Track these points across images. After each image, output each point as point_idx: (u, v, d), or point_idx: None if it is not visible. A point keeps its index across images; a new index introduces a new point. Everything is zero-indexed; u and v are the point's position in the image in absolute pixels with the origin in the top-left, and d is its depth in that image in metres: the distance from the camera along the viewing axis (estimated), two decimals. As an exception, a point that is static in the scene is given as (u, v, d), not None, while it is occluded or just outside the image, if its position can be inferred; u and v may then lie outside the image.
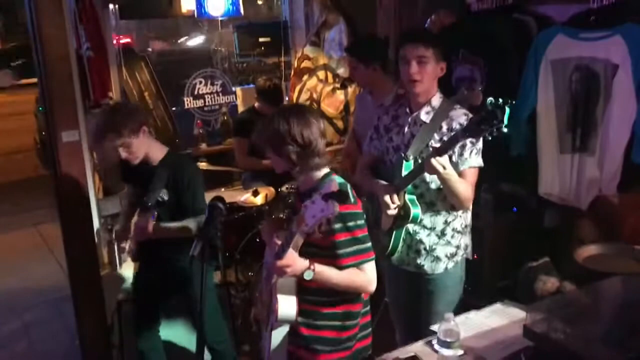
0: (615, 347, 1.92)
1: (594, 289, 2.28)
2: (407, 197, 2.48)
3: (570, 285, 2.50)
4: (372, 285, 2.13)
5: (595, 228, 2.92)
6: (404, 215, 2.48)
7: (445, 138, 2.45)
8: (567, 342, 1.91)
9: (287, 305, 2.09)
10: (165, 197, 2.89)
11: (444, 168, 2.28)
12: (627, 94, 2.72)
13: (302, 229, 1.86)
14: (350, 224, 2.05)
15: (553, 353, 1.95)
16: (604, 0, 2.86)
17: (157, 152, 2.92)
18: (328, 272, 2.05)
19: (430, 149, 2.47)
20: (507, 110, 2.05)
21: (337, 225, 2.04)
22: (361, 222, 2.09)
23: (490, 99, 2.09)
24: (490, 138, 2.13)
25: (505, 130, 2.07)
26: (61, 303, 4.37)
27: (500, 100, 2.06)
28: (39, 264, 5.36)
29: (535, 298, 2.48)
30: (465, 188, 2.43)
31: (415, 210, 2.47)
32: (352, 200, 2.08)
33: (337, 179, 2.13)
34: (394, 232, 2.54)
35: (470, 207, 2.65)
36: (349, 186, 2.13)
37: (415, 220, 2.50)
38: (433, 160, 2.27)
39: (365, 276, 2.10)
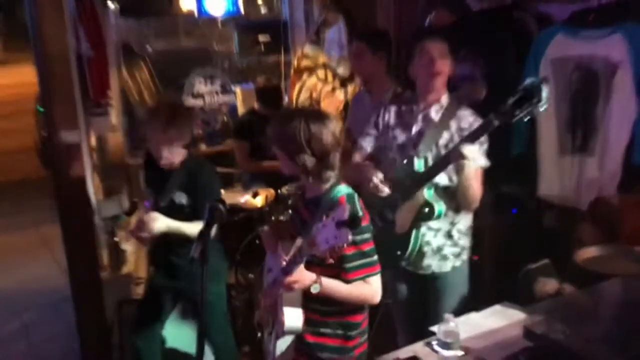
0: (614, 348, 1.92)
1: (593, 290, 2.28)
2: (427, 193, 2.47)
3: (570, 287, 2.49)
4: (377, 298, 2.12)
5: (595, 229, 2.91)
6: (428, 212, 2.46)
7: (454, 137, 2.46)
8: (566, 343, 1.91)
9: (293, 317, 2.08)
10: (184, 201, 2.91)
11: (475, 159, 2.29)
12: (627, 93, 2.72)
13: (314, 252, 1.83)
14: (358, 238, 2.03)
15: (553, 354, 1.95)
16: (603, -1, 2.86)
17: (178, 156, 2.93)
18: (334, 286, 2.05)
19: (440, 146, 2.48)
20: (545, 88, 2.05)
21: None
22: (368, 235, 2.08)
23: (528, 80, 2.10)
24: (527, 118, 2.13)
25: (542, 108, 2.07)
26: (61, 303, 4.36)
27: (536, 79, 2.07)
28: (39, 264, 5.35)
29: (535, 299, 2.48)
30: (475, 188, 2.44)
31: (439, 207, 2.46)
32: (361, 213, 2.06)
33: (345, 190, 2.10)
34: (414, 232, 2.52)
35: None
36: (356, 196, 2.11)
37: (439, 217, 2.48)
38: (466, 149, 2.26)
39: (370, 289, 2.09)
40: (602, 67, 2.77)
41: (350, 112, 3.77)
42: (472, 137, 2.30)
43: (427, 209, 2.46)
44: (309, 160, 2.04)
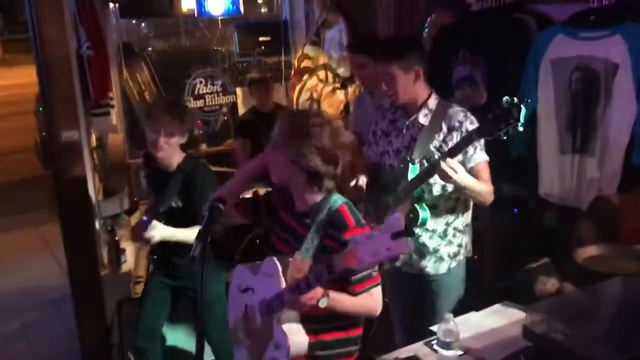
0: (615, 347, 1.92)
1: (594, 289, 2.28)
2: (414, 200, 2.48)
3: (570, 286, 2.49)
4: (379, 309, 2.07)
5: (595, 228, 2.91)
6: (412, 218, 2.46)
7: (447, 139, 2.46)
8: (566, 343, 1.91)
9: (298, 339, 1.98)
10: (179, 204, 2.92)
11: (456, 172, 2.26)
12: (627, 94, 2.71)
13: (353, 267, 1.69)
14: None
15: (553, 354, 1.95)
16: (603, 0, 2.86)
17: (175, 158, 2.95)
18: (341, 299, 1.98)
19: (432, 148, 2.47)
20: (524, 109, 2.04)
21: None
22: None
23: (506, 98, 2.08)
24: (505, 137, 2.11)
25: (521, 129, 2.06)
26: (61, 303, 4.37)
27: (516, 99, 2.06)
28: (39, 264, 5.36)
29: (535, 299, 2.47)
30: (482, 186, 2.44)
31: (424, 214, 2.45)
32: (363, 223, 2.04)
33: (341, 198, 2.06)
34: None
35: (471, 206, 2.66)
36: (352, 204, 2.08)
37: (424, 224, 2.47)
38: (444, 165, 2.25)
39: (373, 300, 2.04)
40: (602, 67, 2.77)
41: (354, 114, 3.79)
42: (452, 152, 2.29)
43: (412, 215, 2.46)
44: (321, 165, 1.96)
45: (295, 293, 1.88)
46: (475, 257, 2.79)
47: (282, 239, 2.17)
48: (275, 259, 2.00)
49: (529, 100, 2.08)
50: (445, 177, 2.29)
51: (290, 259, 1.99)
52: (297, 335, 1.97)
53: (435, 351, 2.15)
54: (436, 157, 2.40)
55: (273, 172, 2.09)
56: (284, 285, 1.94)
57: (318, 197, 2.06)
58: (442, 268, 2.62)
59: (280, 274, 1.96)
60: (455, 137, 2.43)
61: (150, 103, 3.00)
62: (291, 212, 2.15)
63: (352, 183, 2.58)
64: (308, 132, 1.96)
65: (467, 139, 2.28)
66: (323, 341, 2.06)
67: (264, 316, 2.03)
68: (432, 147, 2.49)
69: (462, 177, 2.31)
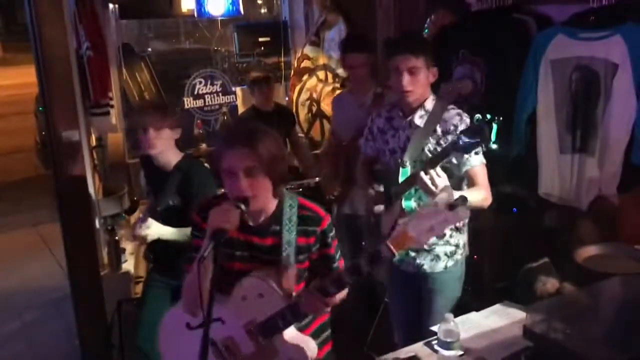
0: (615, 347, 1.92)
1: (593, 289, 2.28)
2: (404, 203, 2.48)
3: (570, 286, 2.50)
4: None
5: (595, 228, 2.92)
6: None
7: (441, 141, 2.46)
8: (566, 343, 1.92)
9: (312, 346, 1.98)
10: (177, 202, 2.92)
11: (435, 185, 2.24)
12: (627, 94, 2.72)
13: (411, 246, 1.75)
14: (333, 233, 2.08)
15: (553, 353, 1.96)
16: (603, 0, 2.86)
17: (172, 157, 2.94)
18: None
19: (426, 151, 2.48)
20: (495, 127, 2.07)
21: (331, 235, 2.06)
22: None
23: (477, 116, 2.11)
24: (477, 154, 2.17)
25: (494, 147, 2.10)
26: (61, 303, 4.37)
27: (488, 116, 2.08)
28: (39, 264, 5.35)
29: (535, 299, 2.48)
30: (472, 194, 2.41)
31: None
32: (324, 207, 2.08)
33: (289, 193, 2.07)
34: None
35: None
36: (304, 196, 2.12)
37: None
38: (423, 175, 2.26)
39: None
40: (602, 68, 2.77)
41: (333, 114, 3.82)
42: (432, 163, 2.30)
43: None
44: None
45: (326, 296, 1.82)
46: (475, 257, 2.79)
47: (238, 258, 2.04)
48: (257, 278, 1.94)
49: (501, 118, 2.10)
50: (426, 188, 2.28)
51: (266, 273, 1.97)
52: (308, 343, 1.98)
53: (436, 351, 2.15)
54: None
55: (253, 194, 1.90)
56: (282, 300, 1.90)
57: (275, 203, 2.02)
58: (439, 266, 2.63)
59: (277, 289, 1.91)
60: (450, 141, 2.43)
61: (137, 105, 2.96)
62: (242, 230, 1.99)
63: (371, 192, 2.59)
64: (279, 144, 1.96)
65: (444, 153, 2.30)
66: (314, 329, 2.11)
67: (261, 338, 1.93)
68: (426, 150, 2.49)
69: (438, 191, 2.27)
